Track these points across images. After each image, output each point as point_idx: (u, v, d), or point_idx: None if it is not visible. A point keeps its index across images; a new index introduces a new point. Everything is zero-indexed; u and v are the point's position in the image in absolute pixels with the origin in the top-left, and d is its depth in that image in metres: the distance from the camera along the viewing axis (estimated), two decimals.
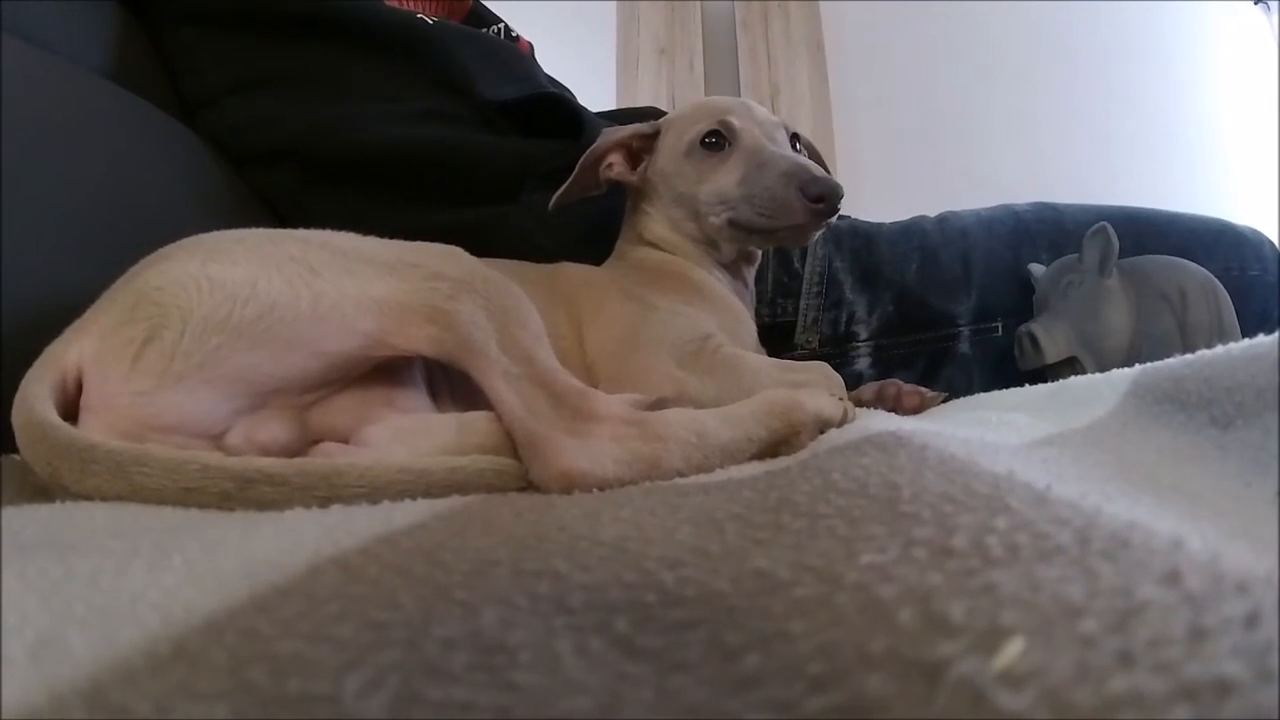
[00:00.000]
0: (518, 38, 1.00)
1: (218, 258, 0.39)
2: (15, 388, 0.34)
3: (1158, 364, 0.37)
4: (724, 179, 0.62)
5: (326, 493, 0.30)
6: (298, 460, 0.32)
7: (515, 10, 1.05)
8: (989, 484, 0.19)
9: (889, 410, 0.61)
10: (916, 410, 0.61)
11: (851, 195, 0.62)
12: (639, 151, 0.68)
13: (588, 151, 0.66)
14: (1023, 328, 0.76)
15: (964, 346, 0.81)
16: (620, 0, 2.17)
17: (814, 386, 0.55)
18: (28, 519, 0.26)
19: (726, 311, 0.63)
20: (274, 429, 0.38)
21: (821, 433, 0.42)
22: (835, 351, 0.79)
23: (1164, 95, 2.06)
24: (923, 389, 0.63)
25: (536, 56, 0.98)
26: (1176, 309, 0.70)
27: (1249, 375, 0.29)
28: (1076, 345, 0.73)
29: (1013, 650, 0.11)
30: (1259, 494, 0.25)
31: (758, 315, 0.72)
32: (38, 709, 0.13)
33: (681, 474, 0.34)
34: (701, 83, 2.09)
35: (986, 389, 0.80)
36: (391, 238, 0.43)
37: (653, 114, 0.83)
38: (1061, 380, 0.49)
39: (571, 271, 0.63)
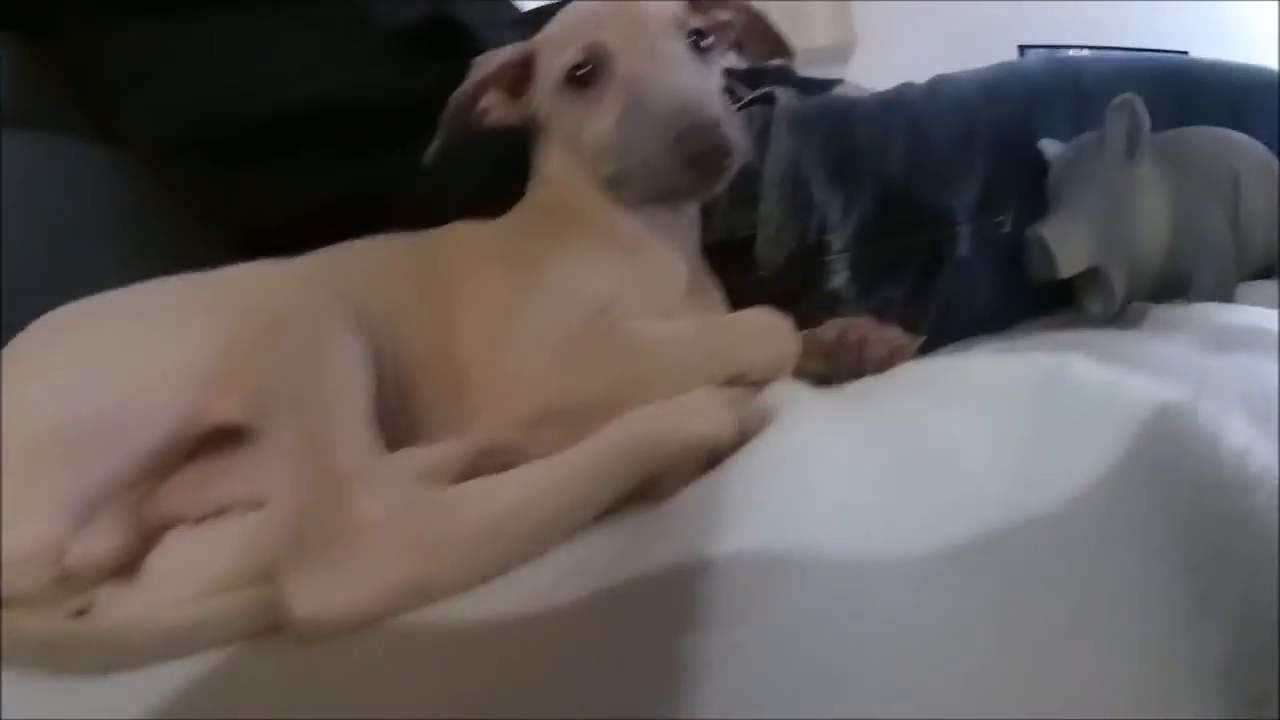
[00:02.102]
0: None
1: (27, 367, 0.37)
2: None
3: (1181, 406, 0.26)
4: (600, 123, 0.50)
5: (109, 659, 0.29)
6: (61, 626, 0.30)
7: None
8: None
9: (851, 363, 0.53)
10: (884, 365, 0.52)
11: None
12: (519, 81, 0.55)
13: (452, 97, 0.53)
14: (1031, 230, 0.60)
15: (964, 249, 0.65)
16: None
17: (750, 344, 0.47)
18: None
19: (642, 260, 0.52)
20: (107, 539, 0.37)
21: (711, 459, 0.34)
22: (805, 268, 0.65)
23: None
24: (892, 336, 0.52)
25: None
26: (1227, 199, 0.54)
27: None
28: (1100, 252, 0.57)
29: None
30: None
31: (706, 234, 0.59)
32: None
33: (467, 586, 0.29)
34: None
35: (996, 301, 0.68)
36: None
37: None
38: (1054, 385, 0.33)
39: (456, 238, 0.53)
